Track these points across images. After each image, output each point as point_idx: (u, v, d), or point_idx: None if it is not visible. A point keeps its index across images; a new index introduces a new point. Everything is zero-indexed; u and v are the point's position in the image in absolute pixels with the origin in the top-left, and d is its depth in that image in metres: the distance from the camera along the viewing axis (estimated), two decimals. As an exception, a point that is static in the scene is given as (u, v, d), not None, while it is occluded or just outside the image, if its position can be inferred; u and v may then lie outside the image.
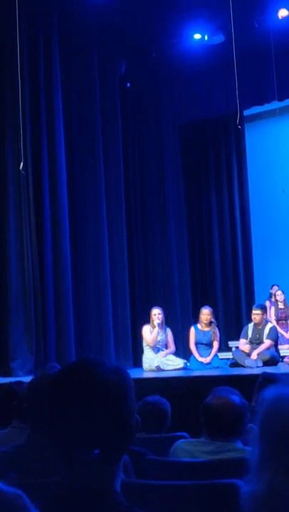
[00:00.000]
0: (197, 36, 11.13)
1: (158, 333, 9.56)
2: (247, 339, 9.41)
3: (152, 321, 9.61)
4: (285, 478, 1.11)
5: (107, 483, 1.52)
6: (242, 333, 9.65)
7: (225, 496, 2.51)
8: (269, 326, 9.47)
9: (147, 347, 9.58)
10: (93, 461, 1.51)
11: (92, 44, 10.84)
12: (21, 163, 8.93)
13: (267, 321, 9.68)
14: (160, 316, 9.64)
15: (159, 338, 9.58)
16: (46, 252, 9.66)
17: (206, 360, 9.46)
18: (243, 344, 9.35)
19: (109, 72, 11.23)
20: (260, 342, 9.28)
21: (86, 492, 1.51)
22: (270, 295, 11.93)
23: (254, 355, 9.02)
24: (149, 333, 9.59)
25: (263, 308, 9.73)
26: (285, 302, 11.48)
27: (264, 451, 1.16)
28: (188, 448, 3.35)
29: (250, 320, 9.70)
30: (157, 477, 3.03)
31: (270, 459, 1.15)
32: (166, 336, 9.66)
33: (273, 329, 9.47)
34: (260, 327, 9.40)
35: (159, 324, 9.57)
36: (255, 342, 9.33)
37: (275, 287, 11.88)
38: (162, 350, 9.55)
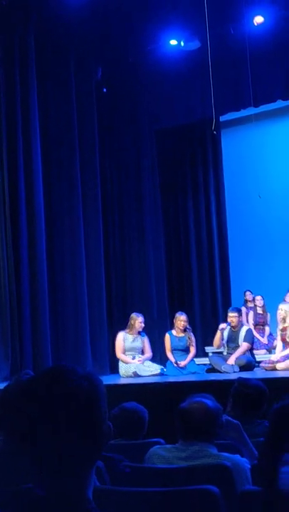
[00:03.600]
0: (173, 42, 11.17)
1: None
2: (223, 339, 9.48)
3: (136, 328, 9.58)
4: None
5: (79, 490, 1.51)
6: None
7: (200, 502, 2.50)
8: (245, 328, 9.51)
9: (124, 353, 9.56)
10: (65, 468, 1.50)
11: (69, 49, 10.81)
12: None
13: (242, 324, 9.73)
14: (143, 325, 9.65)
15: (134, 345, 9.56)
16: (22, 257, 9.58)
17: (182, 363, 9.44)
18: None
19: (86, 77, 11.20)
20: (237, 346, 9.30)
21: (58, 500, 1.49)
22: (245, 301, 11.98)
23: (231, 360, 9.04)
24: (122, 342, 9.56)
25: (239, 311, 9.76)
26: (264, 308, 11.54)
27: None
28: (163, 454, 3.34)
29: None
30: (132, 484, 3.01)
31: None
32: (143, 342, 9.64)
33: (249, 331, 9.50)
34: (235, 330, 9.43)
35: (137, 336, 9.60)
36: (232, 346, 9.36)
37: (248, 293, 11.95)
38: (138, 356, 9.52)
